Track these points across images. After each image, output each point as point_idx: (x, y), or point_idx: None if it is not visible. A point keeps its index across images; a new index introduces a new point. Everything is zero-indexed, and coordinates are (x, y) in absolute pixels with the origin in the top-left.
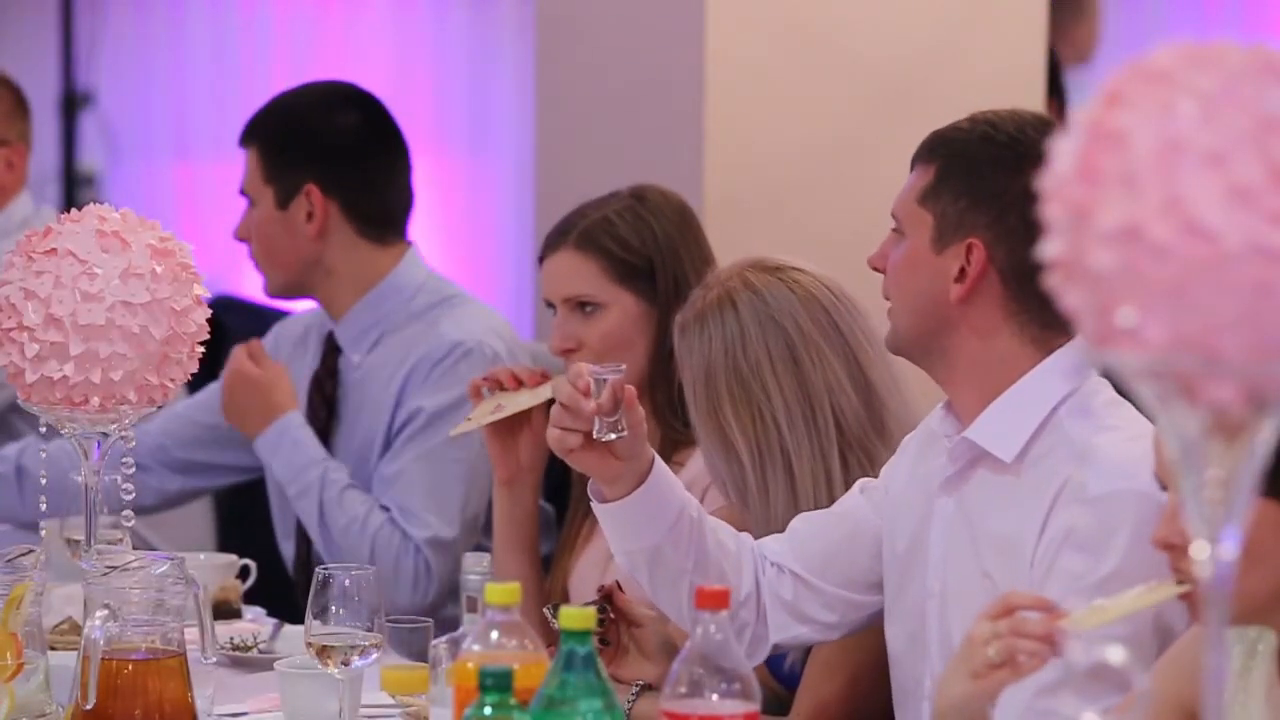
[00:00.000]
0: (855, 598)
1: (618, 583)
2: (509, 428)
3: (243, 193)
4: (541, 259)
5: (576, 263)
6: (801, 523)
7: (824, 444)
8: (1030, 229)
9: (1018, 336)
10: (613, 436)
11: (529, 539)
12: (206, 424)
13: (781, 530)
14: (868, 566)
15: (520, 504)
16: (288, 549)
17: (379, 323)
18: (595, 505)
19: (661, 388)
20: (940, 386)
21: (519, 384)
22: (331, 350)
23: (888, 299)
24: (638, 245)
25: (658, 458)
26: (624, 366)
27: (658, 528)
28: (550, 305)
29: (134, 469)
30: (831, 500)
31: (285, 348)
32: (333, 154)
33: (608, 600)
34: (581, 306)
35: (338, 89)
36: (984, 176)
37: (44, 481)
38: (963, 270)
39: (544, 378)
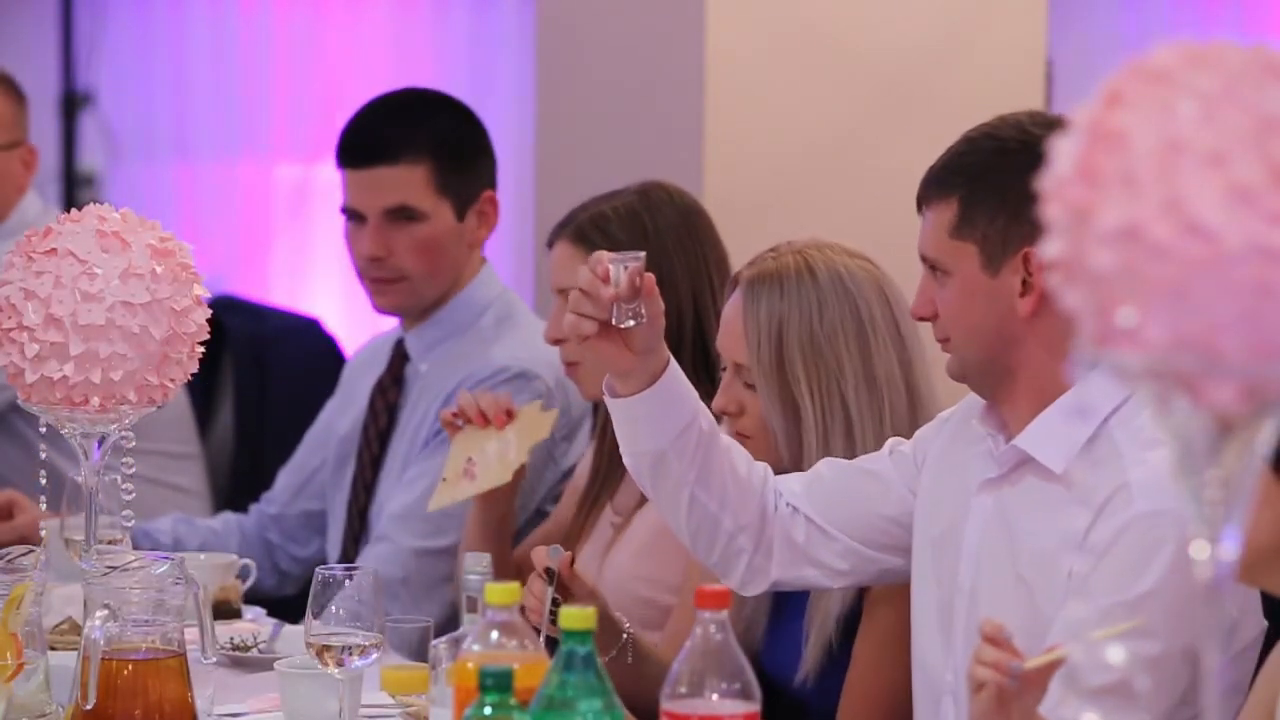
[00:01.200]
0: (869, 553)
1: (569, 554)
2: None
3: (399, 210)
4: (550, 246)
5: (568, 255)
6: (827, 469)
7: (882, 427)
8: None
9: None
10: (631, 323)
11: (500, 544)
12: (311, 478)
13: None
14: (884, 529)
15: (494, 511)
16: (334, 550)
17: (450, 335)
18: (607, 400)
19: None
20: (992, 400)
21: (486, 421)
22: (399, 358)
23: (946, 340)
24: (625, 242)
25: (673, 361)
26: (643, 254)
27: (665, 431)
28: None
29: (284, 544)
30: None
31: (360, 368)
32: (492, 158)
33: (555, 579)
34: None
35: (434, 93)
36: (1012, 187)
37: (43, 481)
38: (1025, 282)
39: (509, 416)
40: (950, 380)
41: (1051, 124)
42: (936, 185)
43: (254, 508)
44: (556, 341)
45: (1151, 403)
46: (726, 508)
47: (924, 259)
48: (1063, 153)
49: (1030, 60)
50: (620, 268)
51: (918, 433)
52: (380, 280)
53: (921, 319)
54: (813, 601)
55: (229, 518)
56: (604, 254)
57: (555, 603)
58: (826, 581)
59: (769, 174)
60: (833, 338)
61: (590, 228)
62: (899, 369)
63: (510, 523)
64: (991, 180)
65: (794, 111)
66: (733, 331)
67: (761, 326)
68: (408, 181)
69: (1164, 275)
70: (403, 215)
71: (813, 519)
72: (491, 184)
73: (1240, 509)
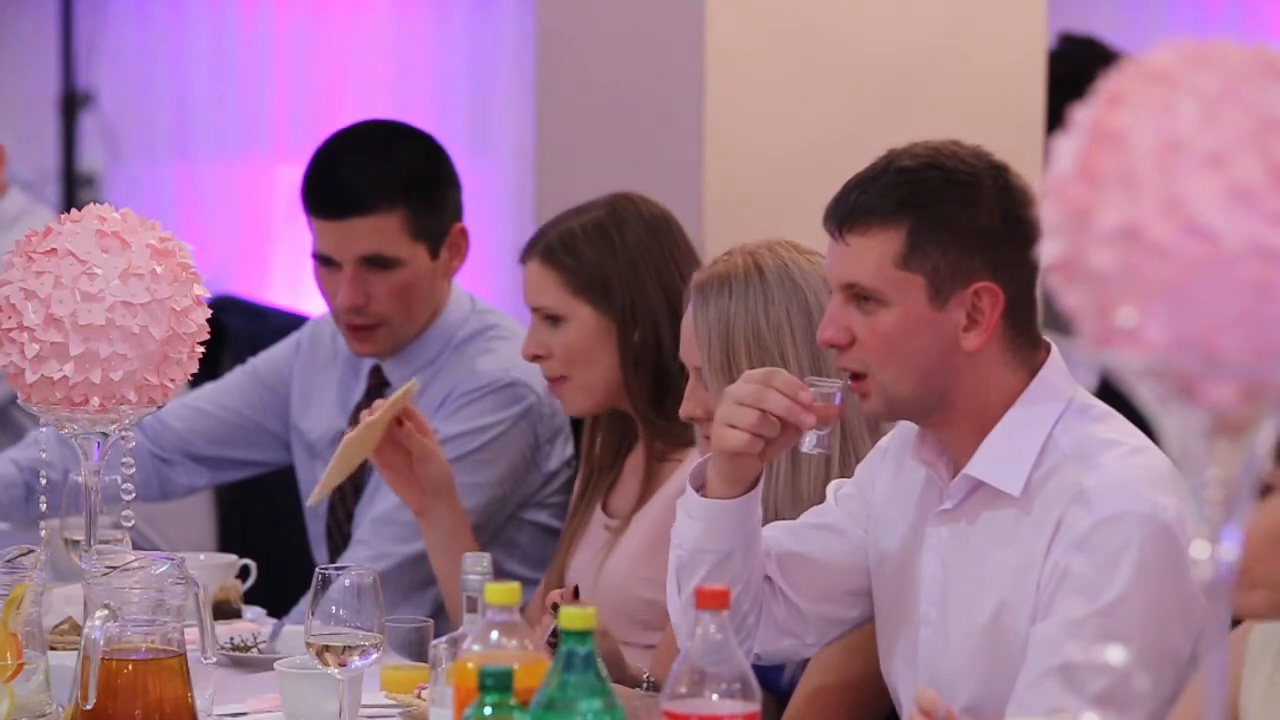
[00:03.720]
0: (837, 614)
1: (575, 588)
2: (396, 464)
3: (374, 258)
4: (521, 264)
5: (539, 274)
6: (784, 534)
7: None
8: (1016, 253)
9: (1012, 364)
10: (820, 450)
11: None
12: (232, 420)
13: (780, 494)
14: (849, 577)
15: (441, 528)
16: (320, 554)
17: (431, 362)
18: (693, 498)
19: (639, 391)
20: (927, 430)
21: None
22: (379, 384)
23: (861, 374)
24: (594, 260)
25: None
26: (844, 382)
27: (743, 533)
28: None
29: (158, 463)
30: (827, 477)
31: (318, 350)
32: (457, 186)
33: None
34: (549, 317)
35: (392, 127)
36: (962, 220)
37: (44, 481)
38: (971, 317)
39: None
40: None
41: (982, 156)
42: (874, 213)
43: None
44: (535, 358)
45: (1151, 402)
46: (755, 606)
47: (849, 286)
48: (1063, 153)
49: (1030, 60)
50: (829, 395)
51: (859, 468)
52: (359, 327)
53: (833, 346)
54: None
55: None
56: (795, 379)
57: (555, 633)
58: (801, 653)
59: (769, 174)
60: (778, 332)
61: (559, 246)
62: None
63: (464, 534)
64: (944, 211)
65: (794, 111)
66: (688, 337)
67: (711, 327)
68: (383, 230)
69: (1164, 275)
70: (379, 262)
71: (786, 593)
72: (459, 214)
73: (1240, 509)
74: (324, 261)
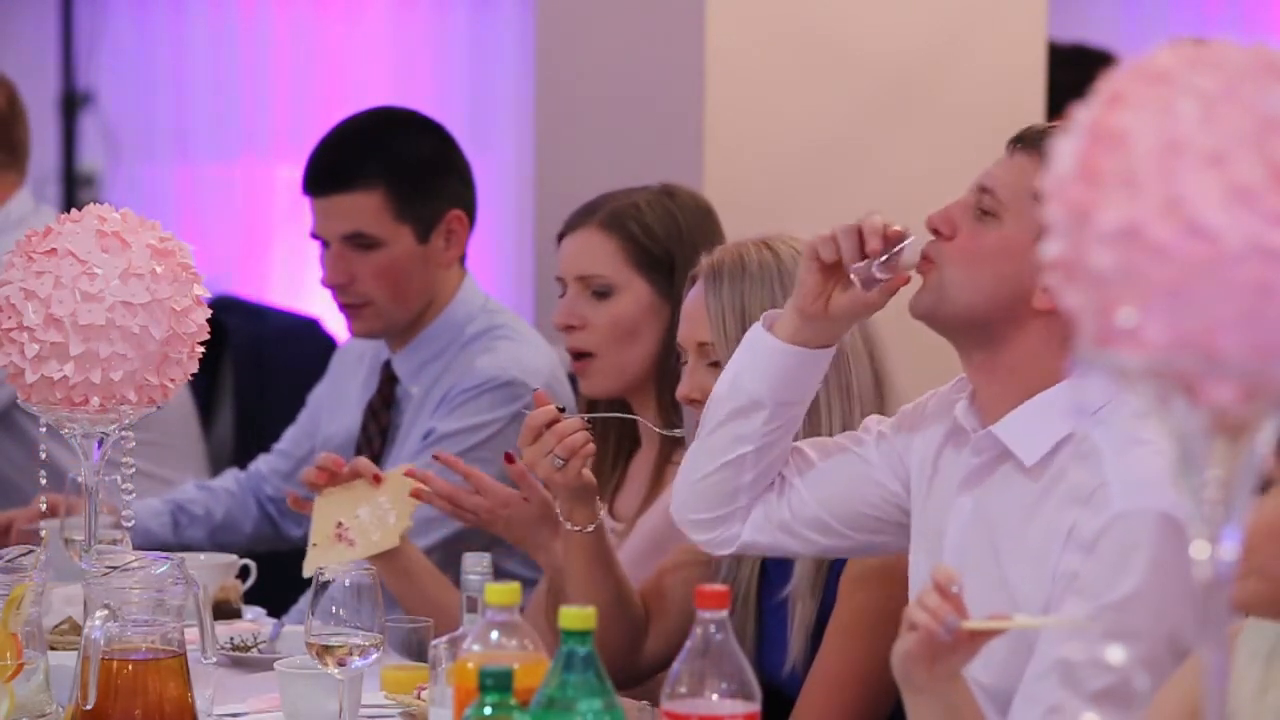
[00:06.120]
0: (846, 531)
1: None
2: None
3: (355, 236)
4: (562, 236)
5: (597, 241)
6: (812, 450)
7: (849, 402)
8: None
9: (1069, 349)
10: (855, 278)
11: (426, 580)
12: (294, 453)
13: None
14: (865, 513)
15: (395, 571)
16: None
17: (437, 356)
18: (760, 331)
19: (668, 386)
20: (968, 372)
21: (354, 476)
22: (388, 380)
23: (931, 264)
24: (661, 235)
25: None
26: (913, 238)
27: (785, 391)
28: (560, 282)
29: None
30: None
31: (350, 365)
32: (459, 175)
33: None
34: (594, 289)
35: (398, 112)
36: None
37: (43, 481)
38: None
39: (377, 480)
40: (907, 370)
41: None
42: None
43: (247, 481)
44: (567, 328)
45: (1151, 402)
46: (754, 487)
47: (984, 190)
48: (1063, 153)
49: (1030, 60)
50: (902, 264)
51: (896, 420)
52: (349, 306)
53: (935, 230)
54: (793, 593)
55: (232, 489)
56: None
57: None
58: (800, 551)
59: (769, 174)
60: None
61: (625, 215)
62: (863, 344)
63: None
64: None
65: (794, 111)
66: (694, 317)
67: (726, 307)
68: (363, 208)
69: (1164, 275)
70: (361, 242)
71: (801, 493)
72: (459, 203)
73: (1240, 509)
74: (318, 240)
